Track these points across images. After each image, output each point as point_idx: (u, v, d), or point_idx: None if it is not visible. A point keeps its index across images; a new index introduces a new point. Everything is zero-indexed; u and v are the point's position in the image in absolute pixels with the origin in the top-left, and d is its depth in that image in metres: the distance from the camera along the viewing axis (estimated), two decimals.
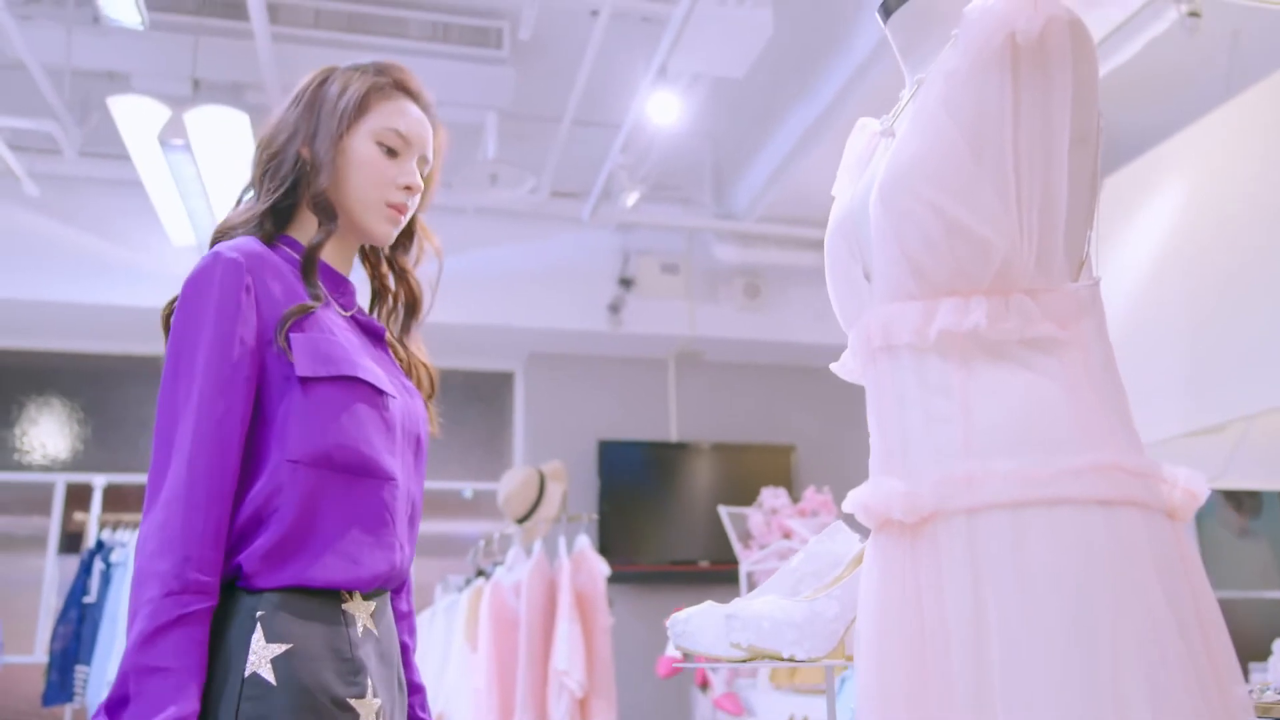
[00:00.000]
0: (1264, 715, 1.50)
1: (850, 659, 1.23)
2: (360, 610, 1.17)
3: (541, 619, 3.53)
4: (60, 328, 5.33)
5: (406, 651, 1.33)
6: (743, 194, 5.45)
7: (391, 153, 1.26)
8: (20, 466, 5.41)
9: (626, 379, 5.96)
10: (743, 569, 3.75)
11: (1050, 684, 0.90)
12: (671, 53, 3.78)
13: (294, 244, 1.26)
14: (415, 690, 1.34)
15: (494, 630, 3.59)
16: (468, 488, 5.93)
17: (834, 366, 1.21)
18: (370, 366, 1.22)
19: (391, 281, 1.39)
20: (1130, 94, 4.04)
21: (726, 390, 6.09)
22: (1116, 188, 3.69)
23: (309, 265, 1.22)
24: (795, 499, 4.38)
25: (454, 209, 5.20)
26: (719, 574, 5.33)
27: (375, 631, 1.19)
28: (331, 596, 1.14)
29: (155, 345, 1.22)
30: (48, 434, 5.51)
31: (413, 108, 1.30)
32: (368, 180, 1.25)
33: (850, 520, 1.19)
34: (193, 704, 1.02)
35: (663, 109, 4.14)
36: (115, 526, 4.65)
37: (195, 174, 4.01)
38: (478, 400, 6.07)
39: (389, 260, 1.39)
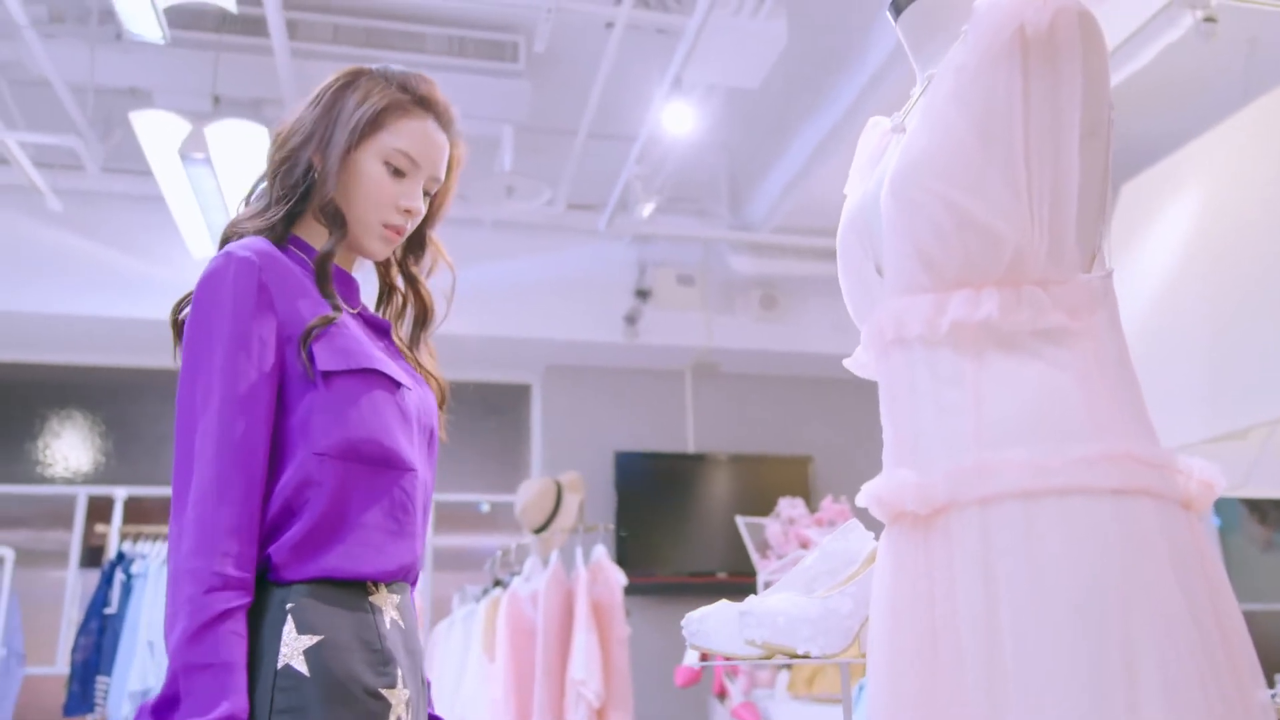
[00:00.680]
0: None
1: (865, 655, 1.22)
2: (386, 601, 1.18)
3: (558, 629, 3.53)
4: (82, 341, 5.39)
5: None
6: (758, 205, 5.46)
7: (398, 173, 1.25)
8: (43, 479, 5.47)
9: (643, 391, 5.97)
10: (760, 579, 3.74)
11: (1061, 675, 0.90)
12: (686, 64, 3.80)
13: (303, 245, 1.26)
14: (425, 686, 1.35)
15: (511, 640, 3.59)
16: (485, 502, 5.94)
17: (847, 362, 1.21)
18: (384, 359, 1.23)
19: (401, 284, 1.39)
20: (1147, 100, 4.03)
21: (743, 401, 6.08)
22: (1134, 194, 3.67)
23: (323, 274, 1.23)
24: (813, 510, 4.37)
25: (470, 221, 5.24)
26: (737, 585, 5.31)
27: (401, 623, 1.20)
28: (358, 588, 1.15)
29: (176, 358, 1.24)
30: (70, 447, 5.57)
31: (430, 126, 1.28)
32: (368, 200, 1.24)
33: (865, 517, 1.19)
34: (243, 699, 1.03)
35: (678, 120, 4.16)
36: (136, 538, 4.68)
37: (215, 187, 4.05)
38: (495, 413, 6.09)
39: (400, 265, 1.39)
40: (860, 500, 1.07)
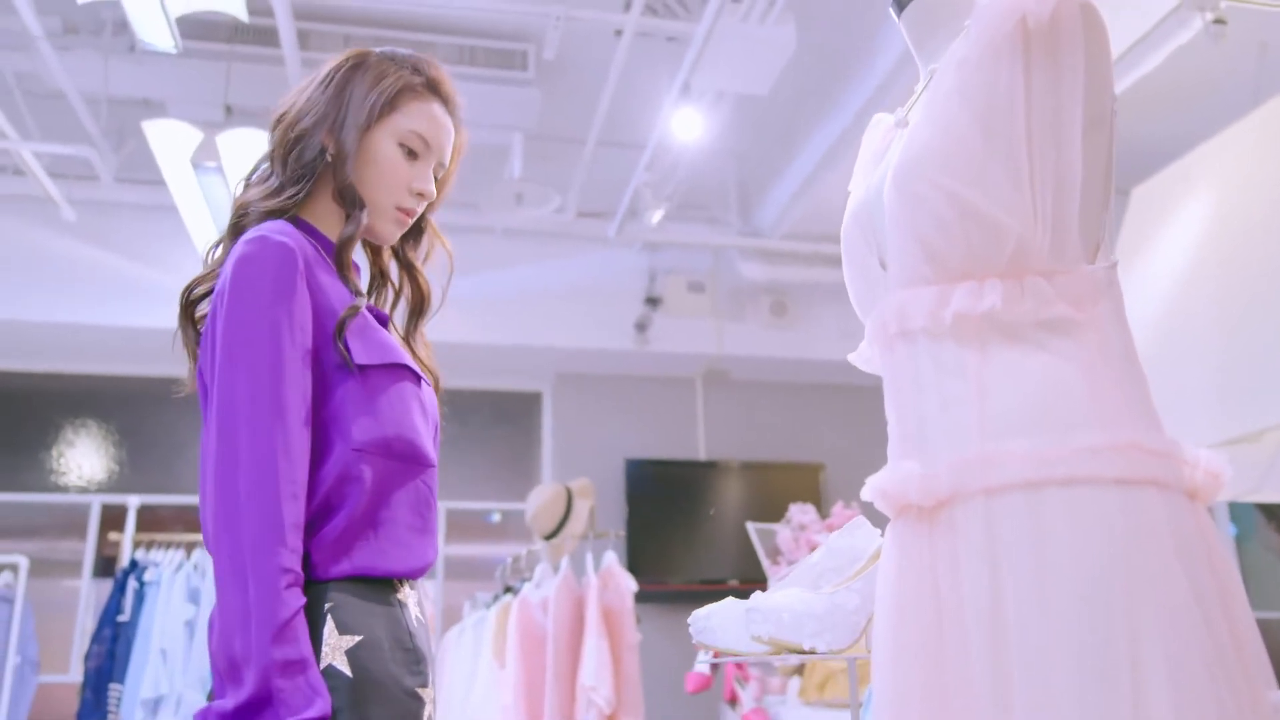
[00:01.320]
0: None
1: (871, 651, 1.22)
2: (410, 599, 1.17)
3: (569, 635, 3.53)
4: (96, 351, 5.42)
5: None
6: (768, 211, 5.46)
7: (412, 154, 1.25)
8: (57, 488, 5.50)
9: (654, 398, 5.96)
10: (771, 586, 3.72)
11: (1067, 666, 0.89)
12: (695, 70, 3.81)
13: (310, 229, 1.24)
14: None
15: (522, 646, 3.59)
16: (495, 512, 5.94)
17: (851, 357, 1.21)
18: (405, 353, 1.23)
19: (394, 273, 1.36)
20: (1157, 104, 4.02)
21: (754, 408, 6.07)
22: (1145, 197, 3.66)
23: (344, 259, 1.21)
24: (824, 516, 4.36)
25: (481, 229, 5.26)
26: (748, 593, 5.20)
27: (423, 618, 1.19)
28: (387, 585, 1.14)
29: (181, 339, 1.23)
30: (83, 456, 5.60)
31: (439, 110, 1.28)
32: (383, 181, 1.23)
33: (875, 519, 1.19)
34: (328, 697, 1.01)
35: (687, 126, 4.16)
36: (149, 546, 4.70)
37: (227, 195, 4.07)
38: (505, 420, 6.10)
39: (396, 253, 1.36)
40: (865, 494, 1.06)
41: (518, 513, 5.35)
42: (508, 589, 4.15)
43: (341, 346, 1.13)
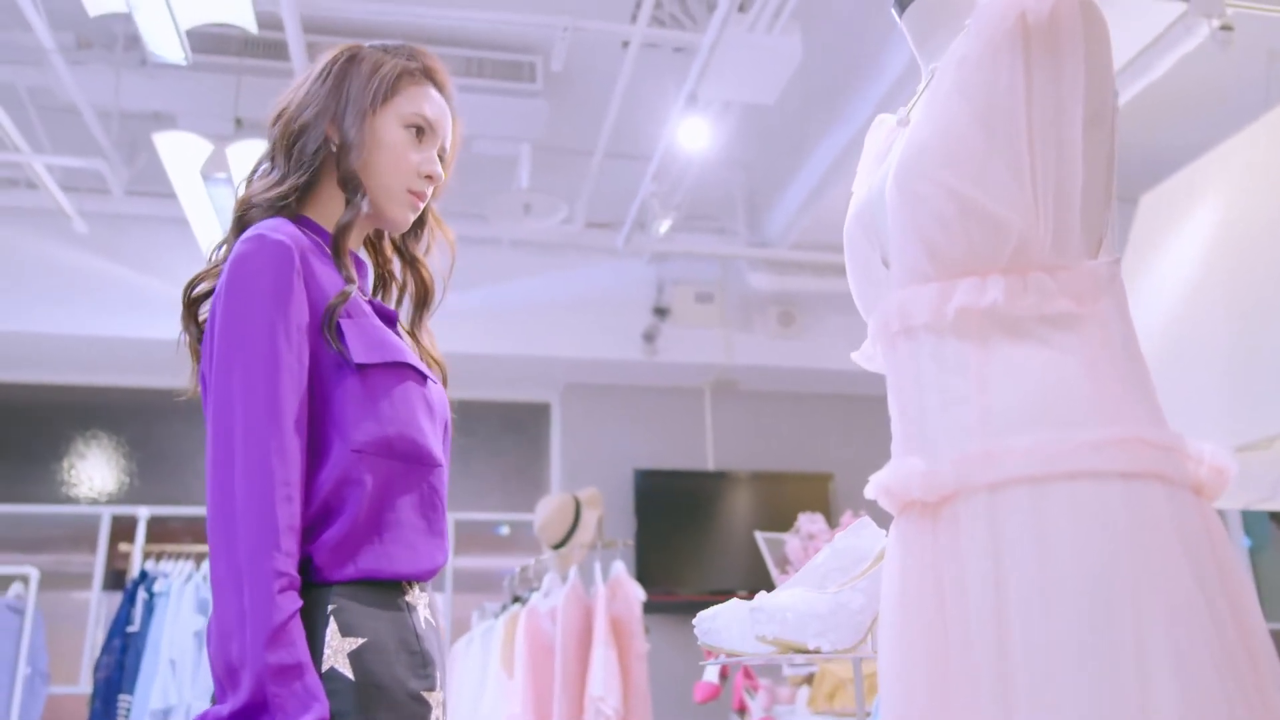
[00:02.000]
0: None
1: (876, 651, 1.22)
2: (419, 601, 1.16)
3: (577, 645, 3.52)
4: (106, 362, 5.46)
5: None
6: (776, 221, 5.46)
7: (419, 134, 1.25)
8: (67, 500, 5.52)
9: (662, 408, 5.96)
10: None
11: (1071, 661, 0.89)
12: (701, 80, 3.82)
13: (313, 225, 1.23)
14: None
15: (530, 656, 3.58)
16: (503, 524, 5.94)
17: (855, 355, 1.21)
18: (410, 351, 1.21)
19: (398, 269, 1.35)
20: (1165, 111, 4.02)
21: (762, 419, 6.07)
22: (1153, 204, 3.65)
23: (340, 246, 1.20)
24: (833, 525, 4.34)
25: (489, 240, 5.27)
26: None
27: (433, 621, 1.18)
28: (394, 588, 1.12)
29: (186, 337, 1.24)
30: (94, 468, 5.62)
31: (437, 96, 1.29)
32: (392, 165, 1.23)
33: (877, 516, 1.18)
34: (325, 701, 1.00)
35: (694, 137, 4.17)
36: (159, 558, 4.71)
37: None
38: (514, 431, 6.10)
39: (398, 248, 1.36)
40: (869, 491, 1.06)
41: (526, 524, 5.35)
42: (516, 599, 4.14)
43: (333, 336, 1.12)
